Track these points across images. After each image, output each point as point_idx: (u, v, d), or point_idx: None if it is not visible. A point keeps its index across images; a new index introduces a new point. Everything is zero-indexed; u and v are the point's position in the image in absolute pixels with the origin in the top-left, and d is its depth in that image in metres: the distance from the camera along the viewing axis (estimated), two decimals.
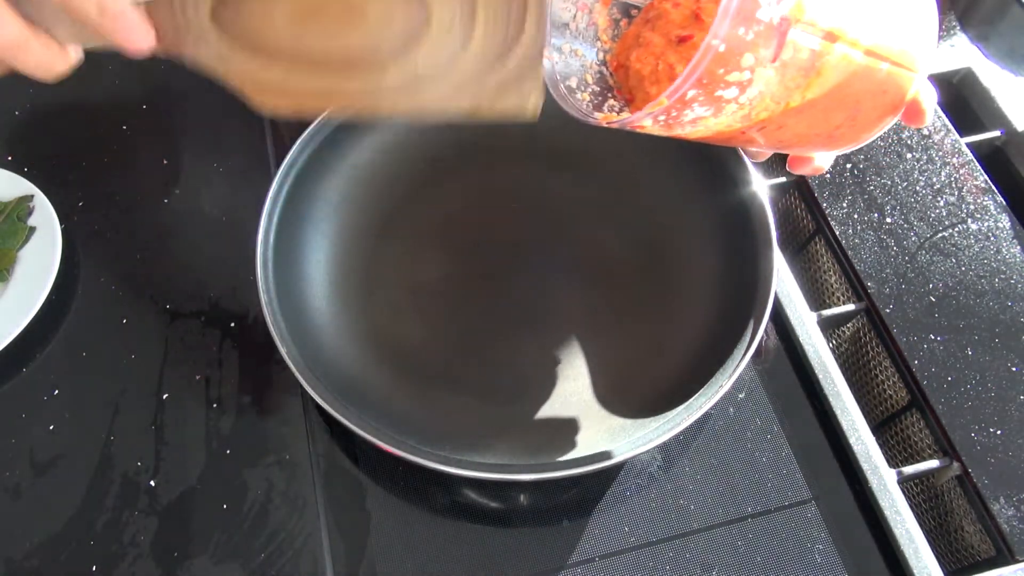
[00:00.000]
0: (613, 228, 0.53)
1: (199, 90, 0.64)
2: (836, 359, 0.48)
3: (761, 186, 0.47)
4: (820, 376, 0.48)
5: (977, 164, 0.55)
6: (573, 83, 0.36)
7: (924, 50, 0.33)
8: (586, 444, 0.43)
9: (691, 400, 0.42)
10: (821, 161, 0.39)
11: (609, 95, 0.37)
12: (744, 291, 0.46)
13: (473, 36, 0.31)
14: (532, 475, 0.40)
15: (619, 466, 0.46)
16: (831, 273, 0.55)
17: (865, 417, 0.46)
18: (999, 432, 0.45)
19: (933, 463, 0.45)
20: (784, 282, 0.51)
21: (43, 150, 0.60)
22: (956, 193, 0.54)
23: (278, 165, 0.49)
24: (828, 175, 0.56)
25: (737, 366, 0.42)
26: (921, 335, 0.49)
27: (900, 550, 0.42)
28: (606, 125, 0.32)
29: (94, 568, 0.43)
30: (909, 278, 0.51)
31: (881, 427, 0.51)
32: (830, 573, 0.43)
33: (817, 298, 0.57)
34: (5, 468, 0.47)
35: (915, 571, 0.42)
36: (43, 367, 0.51)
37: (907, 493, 0.47)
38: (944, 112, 0.58)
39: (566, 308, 0.51)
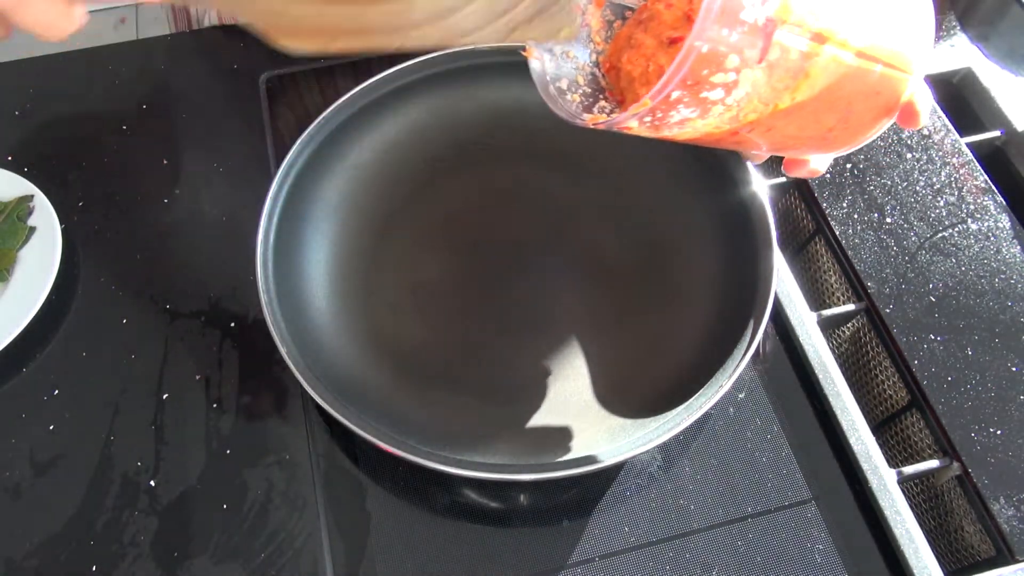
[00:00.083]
0: (613, 228, 0.53)
1: (199, 90, 0.64)
2: (836, 359, 0.48)
3: (761, 186, 0.47)
4: (820, 376, 0.48)
5: (977, 164, 0.55)
6: (564, 84, 0.36)
7: (919, 52, 0.32)
8: (586, 444, 0.43)
9: (691, 400, 0.42)
10: (817, 163, 0.39)
11: (600, 97, 0.36)
12: (744, 291, 0.46)
13: None
14: (532, 475, 0.40)
15: (619, 466, 0.46)
16: (831, 273, 0.55)
17: (865, 417, 0.46)
18: (999, 432, 0.45)
19: (933, 463, 0.45)
20: (784, 282, 0.51)
21: (43, 150, 0.60)
22: (956, 193, 0.54)
23: (278, 165, 0.49)
24: (828, 175, 0.56)
25: (737, 366, 0.42)
26: (921, 335, 0.49)
27: (900, 550, 0.42)
28: (592, 126, 0.31)
29: (94, 568, 0.43)
30: (909, 278, 0.51)
31: (881, 427, 0.51)
32: (830, 573, 0.43)
33: (817, 298, 0.57)
34: (5, 468, 0.47)
35: (915, 571, 0.42)
36: (43, 367, 0.51)
37: (907, 493, 0.47)
38: (944, 112, 0.58)
39: (566, 308, 0.51)
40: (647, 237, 0.52)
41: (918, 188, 0.55)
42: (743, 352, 0.42)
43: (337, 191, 0.53)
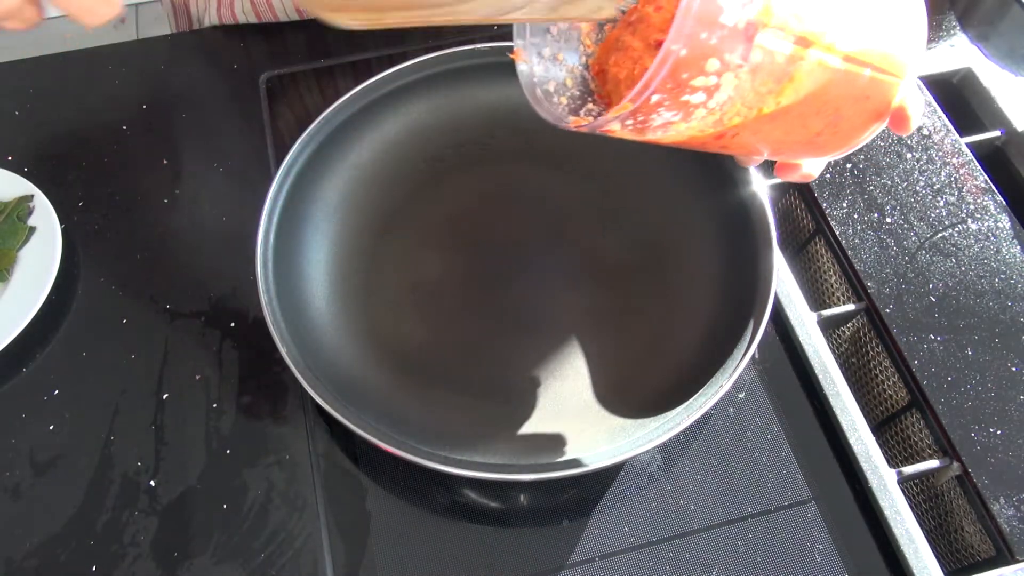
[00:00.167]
0: (613, 228, 0.53)
1: (199, 90, 0.64)
2: (836, 359, 0.48)
3: (761, 186, 0.47)
4: (820, 376, 0.48)
5: (977, 164, 0.55)
6: (551, 87, 0.35)
7: (909, 56, 0.32)
8: (586, 444, 0.43)
9: (691, 400, 0.42)
10: (810, 168, 0.38)
11: (589, 100, 0.36)
12: (744, 291, 0.46)
13: None
14: (532, 475, 0.41)
15: (619, 466, 0.46)
16: (831, 273, 0.55)
17: (865, 417, 0.46)
18: (999, 432, 0.45)
19: (933, 463, 0.45)
20: (784, 282, 0.51)
21: (43, 150, 0.60)
22: (956, 193, 0.54)
23: (278, 165, 0.49)
24: (828, 175, 0.56)
25: (737, 366, 0.42)
26: (921, 335, 0.49)
27: (900, 550, 0.42)
28: (575, 129, 0.31)
29: (94, 568, 0.43)
30: (909, 278, 0.51)
31: (881, 427, 0.51)
32: (830, 573, 0.43)
33: (817, 298, 0.57)
34: (5, 468, 0.47)
35: (915, 571, 0.42)
36: (43, 367, 0.51)
37: (907, 493, 0.47)
38: (944, 112, 0.58)
39: (566, 308, 0.51)
40: (647, 237, 0.52)
41: (918, 188, 0.55)
42: (743, 352, 0.42)
43: (337, 191, 0.53)
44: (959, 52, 0.64)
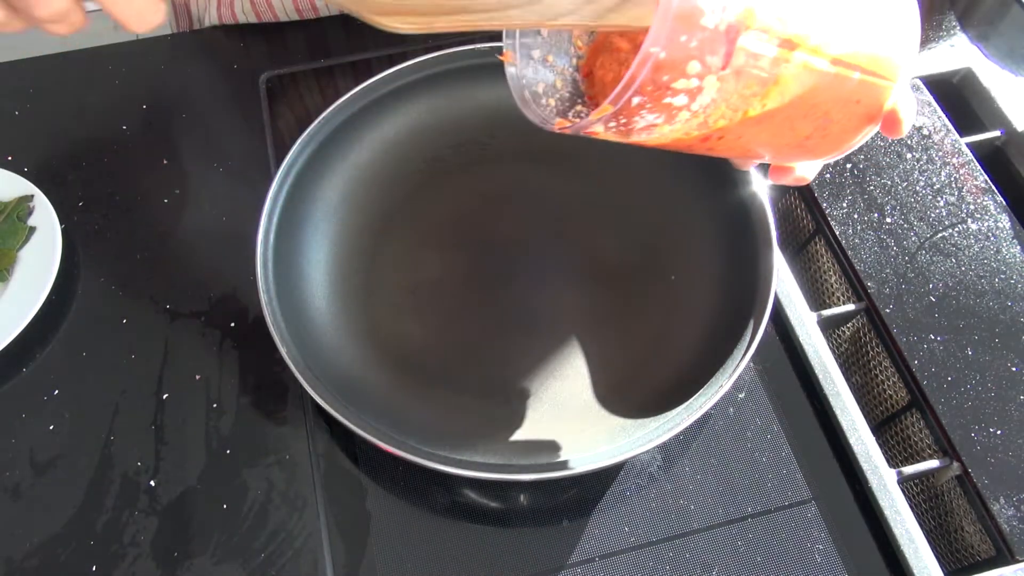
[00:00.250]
0: (613, 228, 0.53)
1: (199, 90, 0.64)
2: (836, 359, 0.48)
3: (761, 186, 0.47)
4: (820, 376, 0.48)
5: (977, 164, 0.55)
6: (540, 89, 0.35)
7: (901, 59, 0.31)
8: (586, 444, 0.43)
9: (691, 400, 0.42)
10: (803, 171, 0.38)
11: (578, 101, 0.36)
12: (744, 291, 0.46)
13: None
14: (532, 475, 0.41)
15: (619, 466, 0.46)
16: (831, 273, 0.55)
17: (865, 417, 0.46)
18: (999, 432, 0.45)
19: (933, 463, 0.45)
20: (784, 282, 0.51)
21: (43, 150, 0.60)
22: (956, 193, 0.54)
23: (278, 165, 0.49)
24: (828, 175, 0.56)
25: (737, 366, 0.42)
26: (921, 335, 0.49)
27: (900, 550, 0.42)
28: (559, 131, 0.31)
29: (94, 568, 0.43)
30: (909, 278, 0.51)
31: (881, 427, 0.51)
32: (830, 573, 0.43)
33: (817, 298, 0.57)
34: (5, 468, 0.47)
35: (915, 571, 0.42)
36: (43, 367, 0.51)
37: (907, 493, 0.47)
38: (944, 112, 0.58)
39: (566, 308, 0.51)
40: (647, 237, 0.52)
41: (918, 188, 0.55)
42: (743, 352, 0.42)
43: (337, 191, 0.53)
44: (959, 52, 0.64)
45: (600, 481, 0.46)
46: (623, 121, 0.28)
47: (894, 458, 0.51)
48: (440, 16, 0.31)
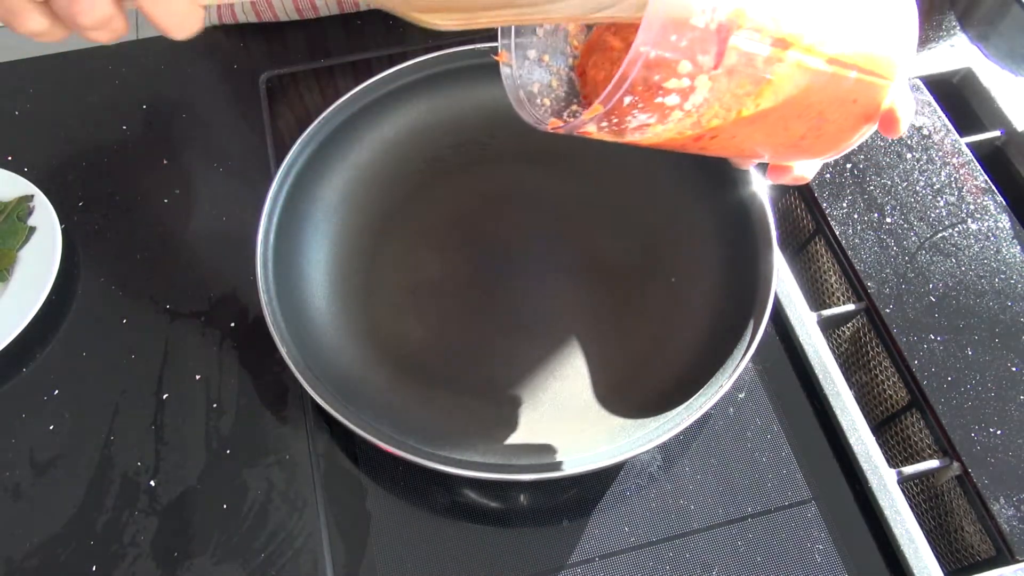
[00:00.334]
0: (613, 228, 0.53)
1: (199, 90, 0.64)
2: (836, 359, 0.48)
3: (761, 186, 0.47)
4: (820, 376, 0.48)
5: (977, 164, 0.55)
6: (535, 89, 0.35)
7: (899, 58, 0.31)
8: (586, 444, 0.43)
9: (691, 400, 0.42)
10: (801, 171, 0.37)
11: (574, 101, 0.36)
12: (744, 291, 0.46)
13: None
14: (532, 475, 0.41)
15: (619, 466, 0.46)
16: (831, 273, 0.55)
17: (865, 417, 0.46)
18: (999, 432, 0.45)
19: (933, 463, 0.45)
20: (784, 282, 0.51)
21: (43, 150, 0.60)
22: (956, 193, 0.54)
23: (278, 165, 0.49)
24: (828, 175, 0.56)
25: (737, 366, 0.42)
26: (921, 335, 0.49)
27: (900, 550, 0.42)
28: (552, 131, 0.31)
29: (94, 568, 0.43)
30: (909, 278, 0.51)
31: (881, 427, 0.51)
32: (830, 573, 0.43)
33: (817, 298, 0.57)
34: (5, 468, 0.47)
35: (915, 571, 0.42)
36: (43, 367, 0.51)
37: (907, 493, 0.47)
38: (944, 112, 0.58)
39: (566, 308, 0.51)
40: (647, 237, 0.52)
41: (918, 188, 0.55)
42: (743, 352, 0.42)
43: (337, 191, 0.53)
44: (959, 52, 0.64)
45: (600, 481, 0.46)
46: (615, 121, 0.28)
47: (894, 458, 0.51)
48: (482, 12, 0.30)
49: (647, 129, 0.29)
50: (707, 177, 0.50)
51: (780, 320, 0.51)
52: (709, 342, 0.46)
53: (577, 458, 0.41)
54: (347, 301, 0.50)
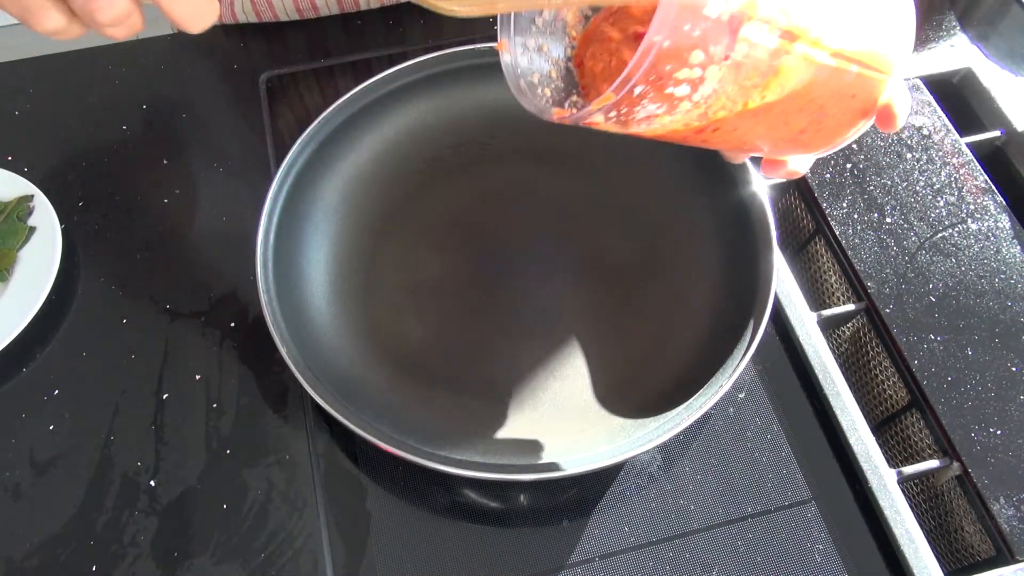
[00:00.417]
0: (613, 228, 0.53)
1: (199, 90, 0.64)
2: (836, 359, 0.48)
3: (761, 186, 0.47)
4: (820, 376, 0.48)
5: (977, 164, 0.55)
6: (535, 79, 0.35)
7: (898, 53, 0.31)
8: (586, 444, 0.43)
9: (691, 400, 0.42)
10: (795, 165, 0.38)
11: (574, 92, 0.36)
12: (744, 291, 0.46)
13: None
14: (532, 475, 0.41)
15: (619, 466, 0.46)
16: (831, 273, 0.55)
17: (865, 417, 0.46)
18: (999, 432, 0.45)
19: (933, 463, 0.45)
20: (784, 282, 0.51)
21: (43, 150, 0.60)
22: (956, 193, 0.54)
23: (278, 165, 0.49)
24: (828, 175, 0.56)
25: (737, 366, 0.42)
26: (921, 335, 0.49)
27: (900, 550, 0.42)
28: (557, 121, 0.31)
29: (94, 568, 0.43)
30: (909, 278, 0.51)
31: (881, 427, 0.51)
32: (830, 573, 0.43)
33: (817, 298, 0.57)
34: (5, 468, 0.47)
35: (915, 571, 0.42)
36: (43, 367, 0.51)
37: (907, 493, 0.47)
38: (944, 112, 0.58)
39: (566, 308, 0.51)
40: (647, 237, 0.52)
41: (918, 188, 0.55)
42: (743, 352, 0.42)
43: (337, 191, 0.53)
44: (959, 52, 0.64)
45: (600, 481, 0.46)
46: (624, 111, 0.28)
47: (894, 458, 0.51)
48: None
49: (654, 120, 0.29)
50: (707, 177, 0.50)
51: (780, 320, 0.51)
52: (709, 342, 0.46)
53: (577, 458, 0.41)
54: (347, 301, 0.50)
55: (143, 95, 0.63)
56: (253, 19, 0.67)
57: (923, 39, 0.65)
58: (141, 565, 0.44)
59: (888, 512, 0.43)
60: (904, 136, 0.57)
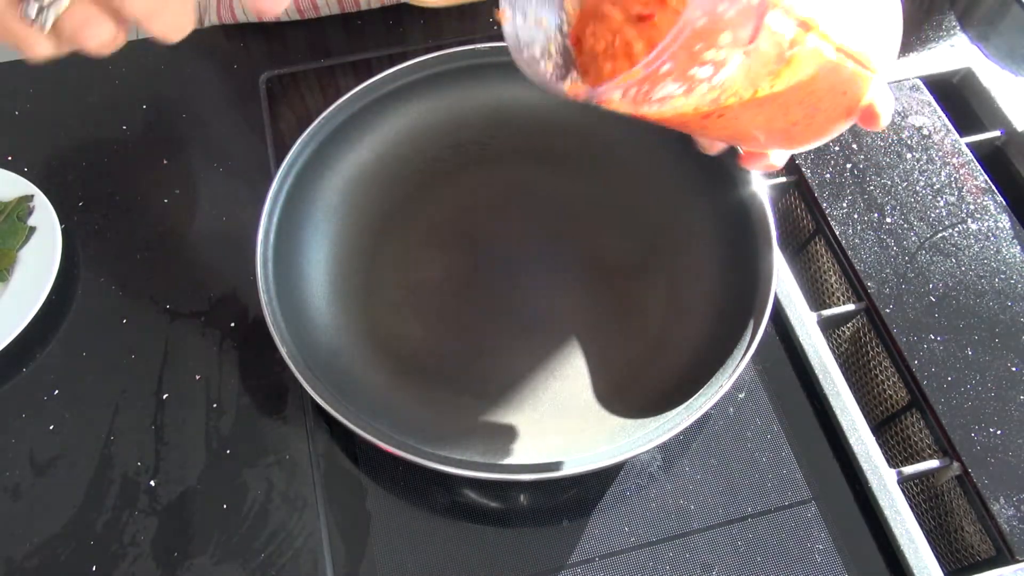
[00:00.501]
0: (613, 228, 0.53)
1: (199, 90, 0.64)
2: (836, 359, 0.48)
3: (761, 186, 0.47)
4: (820, 376, 0.48)
5: (977, 164, 0.55)
6: (536, 52, 0.35)
7: (886, 54, 0.33)
8: (586, 444, 0.43)
9: (691, 400, 0.42)
10: (775, 158, 0.39)
11: (573, 68, 0.36)
12: (744, 291, 0.46)
13: None
14: (532, 475, 0.40)
15: (619, 466, 0.46)
16: (831, 273, 0.55)
17: (865, 417, 0.46)
18: (999, 432, 0.45)
19: (933, 463, 0.45)
20: (784, 282, 0.51)
21: (43, 150, 0.60)
22: (956, 193, 0.54)
23: (278, 165, 0.49)
24: (828, 175, 0.56)
25: (737, 366, 0.42)
26: (921, 335, 0.49)
27: (900, 550, 0.42)
28: (571, 97, 0.31)
29: (94, 568, 0.43)
30: (909, 278, 0.51)
31: (881, 427, 0.51)
32: (830, 573, 0.43)
33: (817, 298, 0.57)
34: (5, 468, 0.47)
35: (915, 571, 0.42)
36: (43, 367, 0.51)
37: (907, 493, 0.47)
38: (944, 112, 0.58)
39: (566, 308, 0.51)
40: (647, 237, 0.52)
41: (918, 188, 0.55)
42: (743, 352, 0.42)
43: (337, 191, 0.53)
44: (959, 52, 0.64)
45: (600, 481, 0.46)
46: (646, 89, 0.28)
47: (894, 458, 0.51)
48: None
49: (668, 101, 0.29)
50: (707, 177, 0.50)
51: (780, 320, 0.51)
52: (709, 342, 0.46)
53: (577, 458, 0.41)
54: (347, 301, 0.50)
55: (143, 95, 0.63)
56: (253, 19, 0.67)
57: (923, 39, 0.65)
58: (141, 565, 0.44)
59: (888, 512, 0.43)
60: (904, 136, 0.57)
